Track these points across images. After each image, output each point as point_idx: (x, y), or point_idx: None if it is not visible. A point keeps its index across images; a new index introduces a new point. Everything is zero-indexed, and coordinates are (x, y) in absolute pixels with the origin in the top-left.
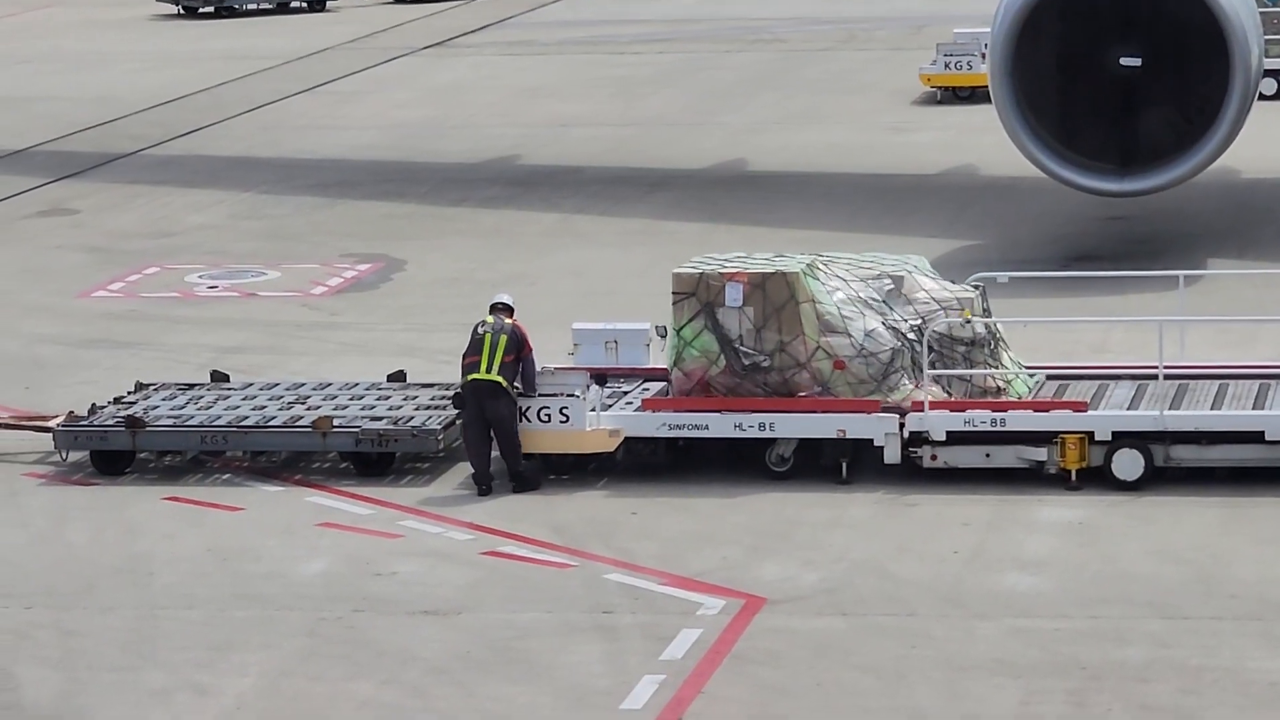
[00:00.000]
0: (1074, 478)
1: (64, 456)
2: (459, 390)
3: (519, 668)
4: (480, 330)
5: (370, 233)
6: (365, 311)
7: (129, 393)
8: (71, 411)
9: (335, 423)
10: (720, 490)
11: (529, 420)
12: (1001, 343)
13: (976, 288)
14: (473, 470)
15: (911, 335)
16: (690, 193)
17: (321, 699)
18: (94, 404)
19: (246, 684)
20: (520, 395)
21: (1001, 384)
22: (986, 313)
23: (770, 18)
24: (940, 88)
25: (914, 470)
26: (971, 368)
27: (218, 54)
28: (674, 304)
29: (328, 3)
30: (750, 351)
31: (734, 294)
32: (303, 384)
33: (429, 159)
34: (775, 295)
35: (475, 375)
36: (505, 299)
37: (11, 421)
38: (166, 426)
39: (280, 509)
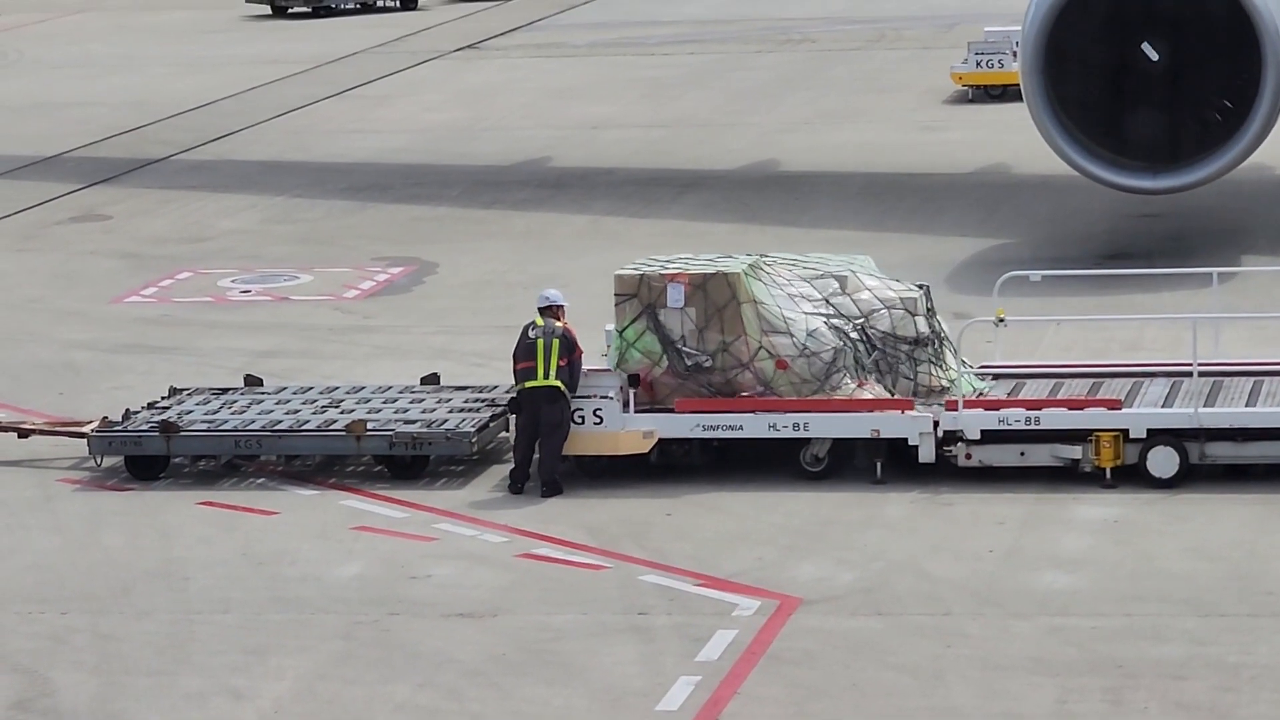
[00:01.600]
0: (1109, 476)
1: (98, 462)
2: (515, 395)
3: (554, 670)
4: (532, 334)
5: (402, 236)
6: (398, 314)
7: (163, 398)
8: (105, 417)
9: (369, 426)
10: (755, 491)
11: None
12: (946, 342)
13: (921, 287)
14: (513, 468)
15: (854, 334)
16: (721, 194)
17: (357, 702)
18: (128, 409)
19: (282, 688)
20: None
21: (945, 383)
22: (931, 312)
23: (800, 17)
24: (972, 86)
25: (949, 469)
26: (915, 366)
27: (248, 59)
28: (616, 305)
29: (419, 2)
30: (693, 352)
31: (675, 295)
32: (336, 387)
33: (460, 162)
34: (717, 296)
35: (533, 382)
36: (556, 299)
37: (46, 427)
38: (200, 431)
39: (315, 513)
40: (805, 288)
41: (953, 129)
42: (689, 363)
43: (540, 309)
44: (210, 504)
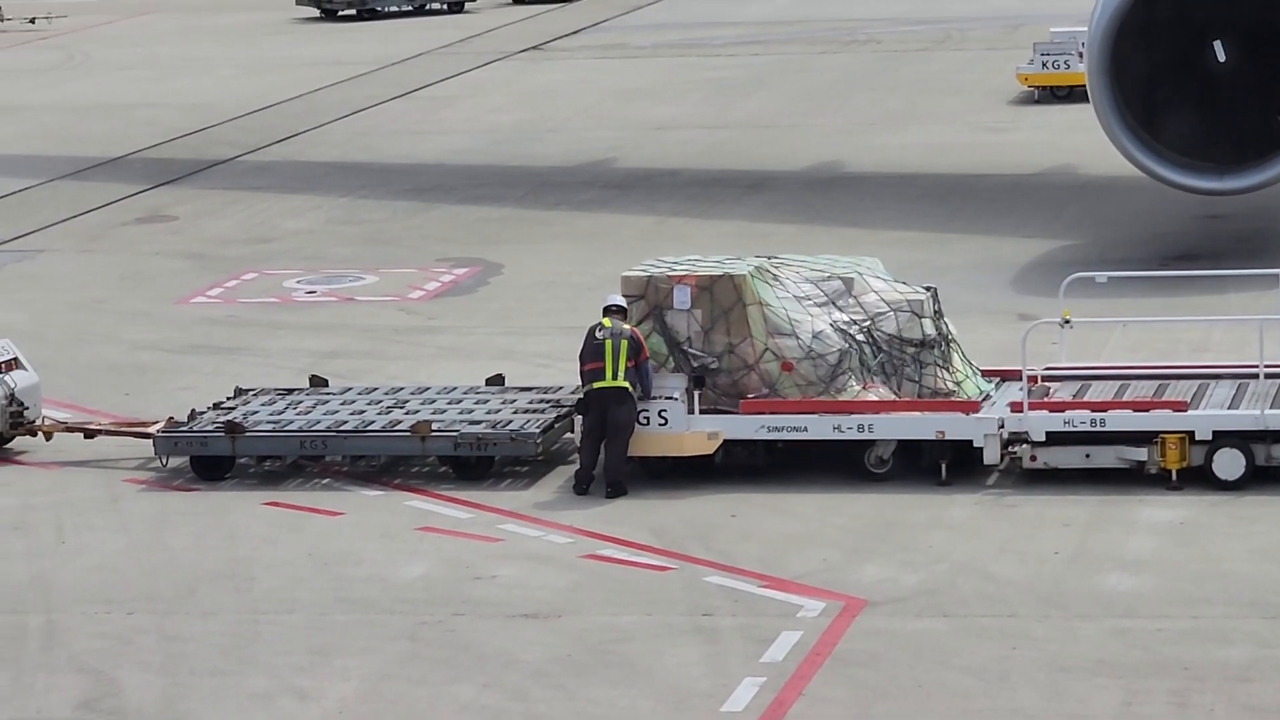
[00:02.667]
0: (1175, 478)
1: (164, 462)
2: (583, 397)
3: (619, 670)
4: (599, 335)
5: (467, 237)
6: (463, 315)
7: (228, 398)
8: (171, 417)
9: (434, 427)
10: (819, 492)
11: None
12: (954, 344)
13: (928, 289)
14: (578, 469)
15: (860, 336)
16: (786, 194)
17: (423, 702)
18: (193, 410)
19: (348, 688)
20: (639, 398)
21: (952, 385)
22: (939, 314)
23: (865, 18)
24: (1037, 87)
25: (1014, 471)
26: (922, 369)
27: (313, 60)
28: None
29: (466, 4)
30: (699, 354)
31: (682, 297)
32: (401, 388)
33: (525, 163)
34: (723, 298)
35: (601, 383)
36: (620, 301)
37: (112, 428)
38: (266, 432)
39: (380, 513)
40: (812, 290)
41: (1018, 130)
42: (695, 364)
43: (607, 310)
44: (276, 504)
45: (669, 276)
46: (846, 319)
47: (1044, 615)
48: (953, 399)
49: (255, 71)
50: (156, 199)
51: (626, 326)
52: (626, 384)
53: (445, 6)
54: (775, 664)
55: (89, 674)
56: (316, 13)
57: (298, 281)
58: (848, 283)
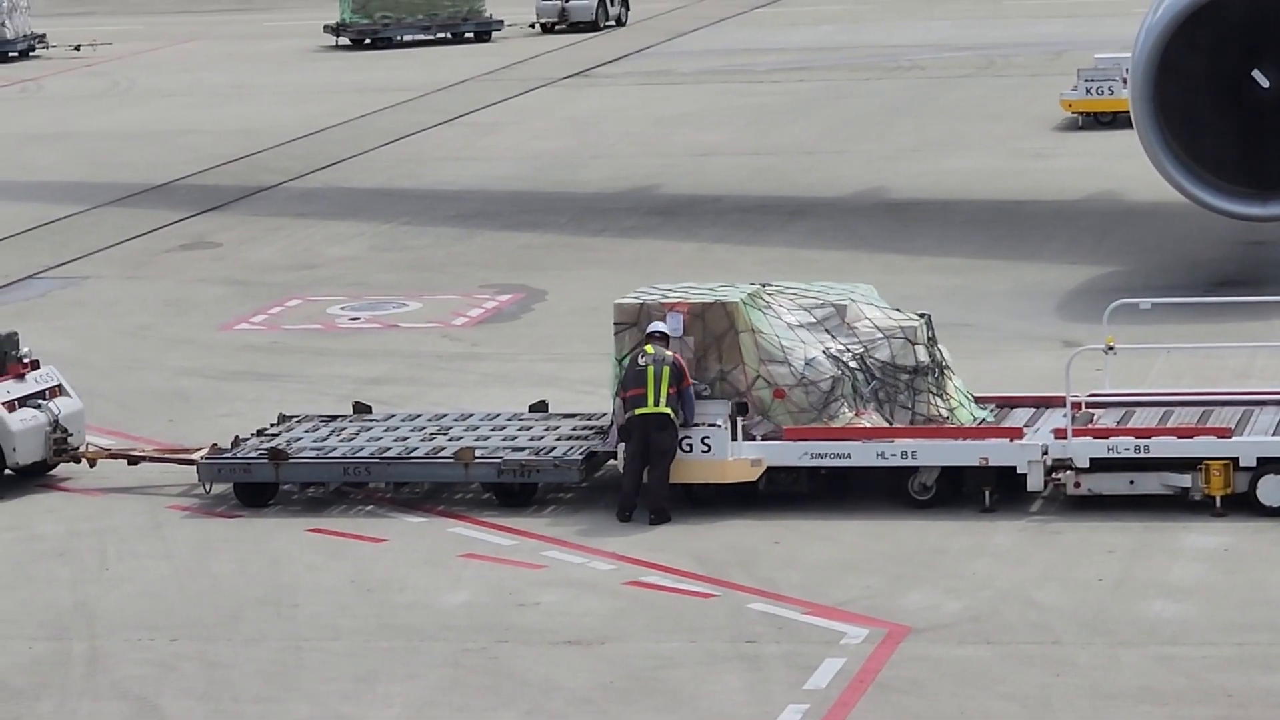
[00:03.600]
0: (1219, 504)
1: (208, 489)
2: (625, 424)
3: (662, 698)
4: (641, 361)
5: (510, 263)
6: (506, 342)
7: (272, 425)
8: (215, 444)
9: (477, 454)
10: (863, 519)
11: None
12: (947, 370)
13: (921, 316)
14: (621, 496)
15: (853, 363)
16: (830, 221)
17: None
18: (237, 436)
19: (391, 715)
20: (681, 425)
21: (945, 412)
22: (932, 341)
23: (908, 44)
24: (1081, 113)
25: (1058, 497)
26: (915, 395)
27: (356, 86)
28: (615, 334)
29: (492, 34)
30: (692, 381)
31: (674, 324)
32: (444, 415)
33: (568, 189)
34: (715, 325)
35: (643, 409)
36: (663, 327)
37: (156, 454)
38: (309, 458)
39: (423, 540)
40: (805, 317)
41: (1062, 156)
42: None
43: (650, 336)
44: (319, 531)
45: (662, 304)
46: (840, 346)
47: (1088, 642)
48: (996, 425)
49: (299, 98)
50: (201, 225)
51: (669, 353)
52: (668, 410)
53: (473, 35)
54: (819, 691)
55: (132, 700)
56: (334, 40)
57: (341, 308)
58: (841, 309)
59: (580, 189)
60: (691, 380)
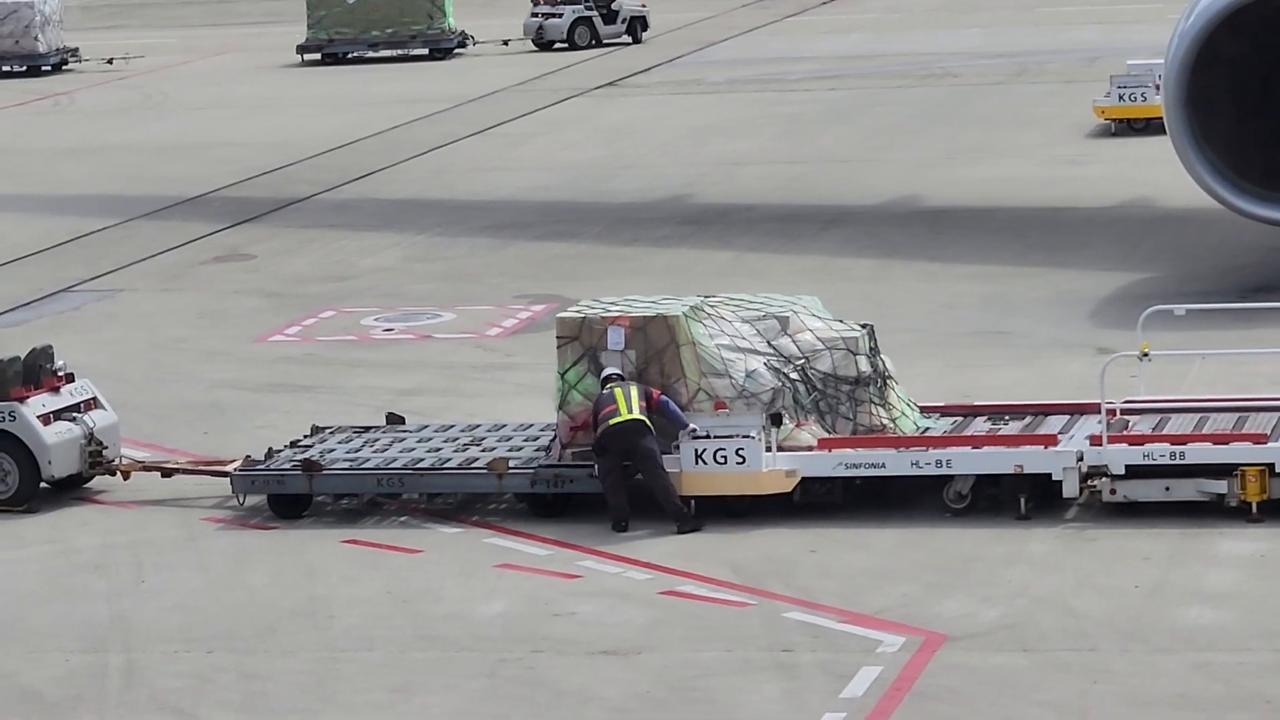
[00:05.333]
0: (1255, 510)
1: (241, 500)
2: (599, 439)
3: (699, 707)
4: (607, 389)
5: (544, 273)
6: (540, 352)
7: (305, 436)
8: (248, 456)
9: (511, 464)
10: (898, 527)
11: (705, 462)
12: (890, 381)
13: (864, 326)
14: (611, 511)
15: (794, 375)
16: (863, 229)
17: None
18: (270, 448)
19: None
20: (688, 434)
21: (887, 422)
22: (874, 351)
23: (941, 52)
24: (1114, 120)
25: (1093, 504)
26: (857, 406)
27: (388, 98)
28: (558, 348)
29: (455, 51)
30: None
31: (616, 337)
32: (478, 426)
33: (600, 199)
34: (656, 338)
35: (618, 418)
36: (614, 370)
37: (190, 466)
38: (343, 470)
39: (458, 550)
40: (747, 329)
41: (1095, 163)
42: None
43: (605, 380)
44: (354, 542)
45: (603, 317)
46: (781, 358)
47: (1124, 649)
48: (1032, 433)
49: (331, 110)
50: (234, 238)
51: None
52: (643, 417)
53: (428, 53)
54: (855, 699)
55: (169, 713)
56: (300, 59)
57: (375, 319)
58: (783, 321)
59: (613, 199)
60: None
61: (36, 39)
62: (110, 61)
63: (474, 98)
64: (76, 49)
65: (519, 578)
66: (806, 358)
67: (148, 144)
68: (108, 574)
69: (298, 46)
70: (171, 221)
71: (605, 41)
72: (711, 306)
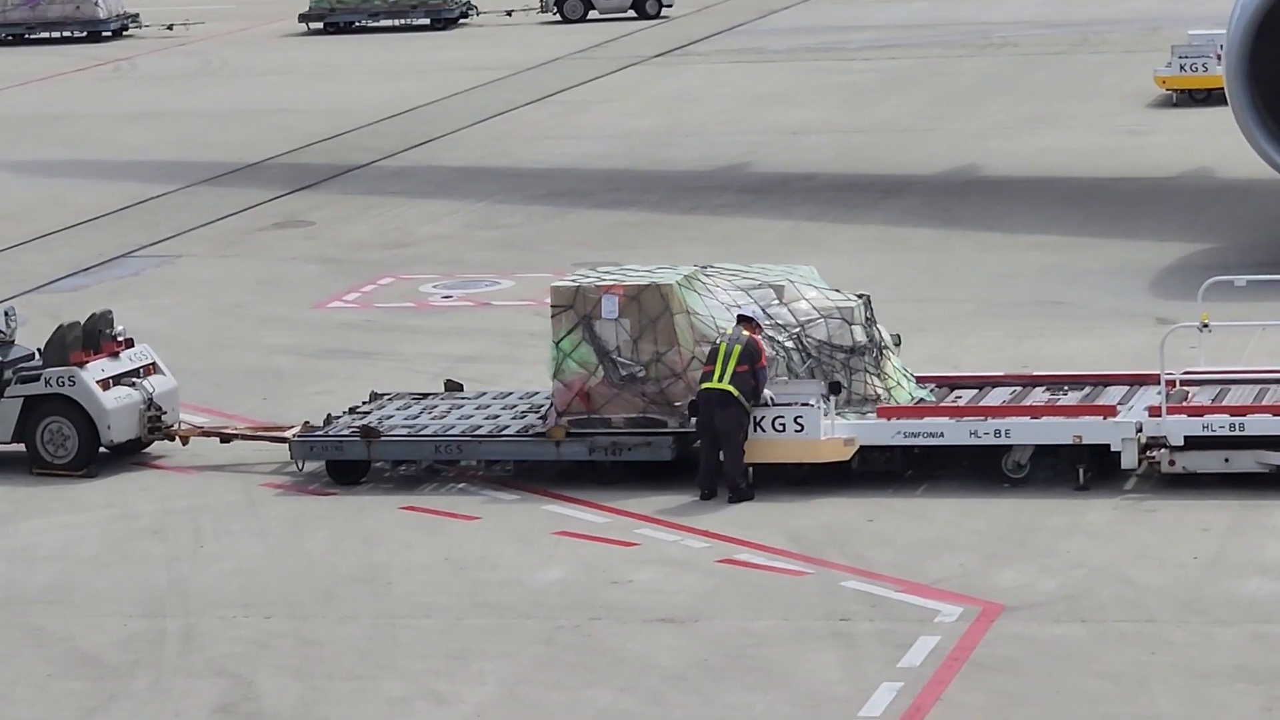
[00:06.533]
0: None
1: (300, 467)
2: (694, 398)
3: (756, 675)
4: (718, 341)
5: (602, 241)
6: None
7: (364, 403)
8: (307, 422)
9: (568, 431)
10: (957, 497)
11: (764, 430)
12: (886, 351)
13: (860, 296)
14: (699, 475)
15: (789, 343)
16: (922, 199)
17: (559, 707)
18: (329, 414)
19: (485, 692)
20: (754, 406)
21: (882, 392)
22: (870, 321)
23: (1001, 21)
24: (1175, 90)
25: (1152, 475)
26: (852, 375)
27: (446, 65)
28: (552, 317)
29: (459, 20)
30: (627, 363)
31: (610, 306)
32: (536, 393)
33: (660, 167)
34: (650, 307)
35: (707, 384)
36: (749, 313)
37: (249, 432)
38: (401, 436)
39: (516, 518)
40: (742, 298)
41: (1156, 133)
42: (624, 373)
43: (738, 319)
44: (412, 509)
45: (597, 287)
46: (776, 325)
47: (1183, 620)
48: (1091, 404)
49: (390, 76)
50: (293, 204)
51: (747, 334)
52: (731, 388)
53: (429, 23)
54: (913, 669)
55: (227, 678)
56: (305, 28)
57: (434, 286)
58: (779, 290)
59: (672, 167)
60: (627, 361)
61: (97, 5)
62: (170, 27)
63: (534, 65)
64: (137, 15)
65: (577, 545)
66: (802, 326)
67: (207, 110)
68: (166, 539)
69: (300, 15)
70: (231, 187)
71: (603, 15)
72: (707, 275)
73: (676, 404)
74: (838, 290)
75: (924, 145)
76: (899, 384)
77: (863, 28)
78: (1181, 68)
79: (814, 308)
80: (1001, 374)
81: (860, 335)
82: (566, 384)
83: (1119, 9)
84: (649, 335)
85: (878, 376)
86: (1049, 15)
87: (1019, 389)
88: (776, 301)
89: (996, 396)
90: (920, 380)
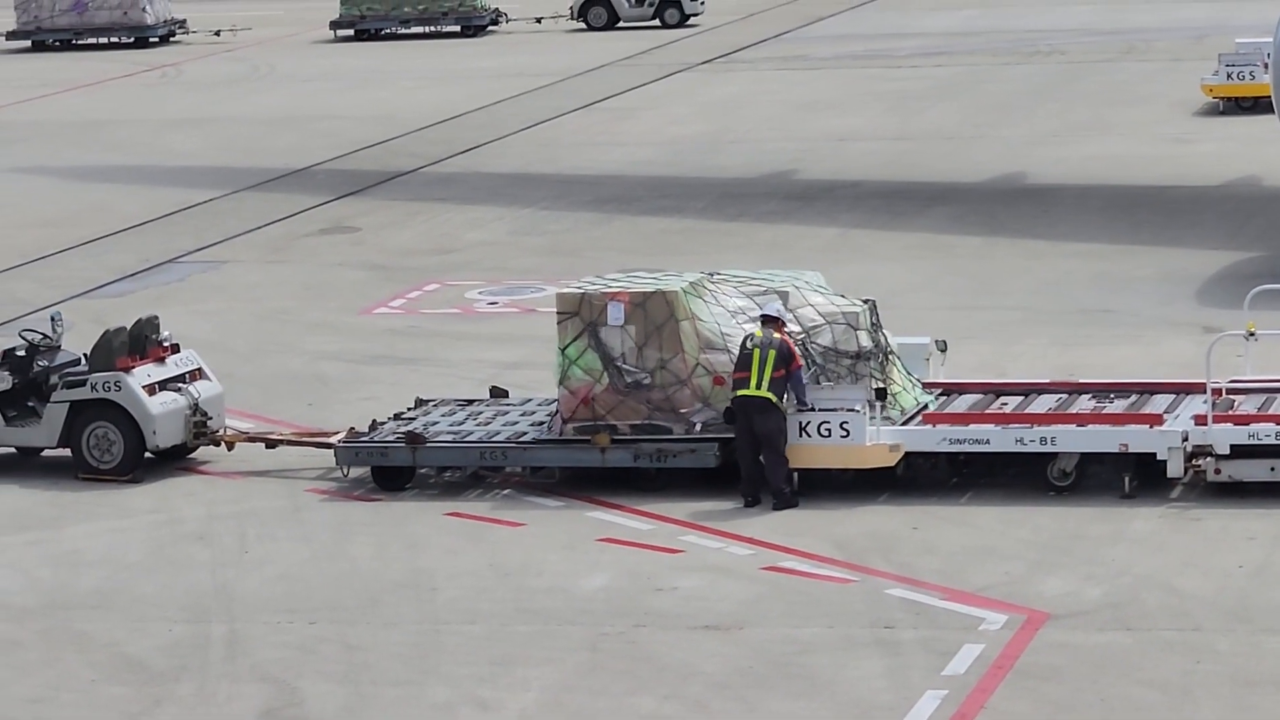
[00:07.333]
0: None
1: (345, 472)
2: (729, 405)
3: (800, 683)
4: (749, 345)
5: (648, 248)
6: None
7: (409, 409)
8: (352, 428)
9: (613, 438)
10: (1001, 505)
11: (808, 435)
12: (892, 356)
13: (866, 301)
14: (741, 483)
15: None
16: (969, 206)
17: (603, 713)
18: (374, 420)
19: (529, 699)
20: (799, 409)
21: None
22: (876, 326)
23: (1049, 29)
24: (1222, 98)
25: (1198, 484)
26: (857, 380)
27: (492, 72)
28: (558, 324)
29: (487, 28)
30: (632, 369)
31: (615, 313)
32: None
33: (706, 174)
34: (655, 314)
35: (744, 391)
36: (773, 311)
37: (294, 438)
38: (446, 442)
39: (561, 524)
40: (747, 304)
41: (1203, 141)
42: (629, 380)
43: (761, 319)
44: (457, 515)
45: (603, 293)
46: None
47: (1229, 629)
48: (1137, 412)
49: (436, 83)
50: (340, 210)
51: (778, 336)
52: (769, 395)
53: (459, 30)
54: (957, 677)
55: (271, 683)
56: (333, 35)
57: (480, 292)
58: (784, 296)
59: (718, 174)
60: (632, 368)
61: (144, 10)
62: (218, 33)
63: (580, 72)
64: (184, 21)
65: (621, 552)
66: (807, 332)
67: (254, 116)
68: (212, 544)
69: (330, 22)
70: (277, 193)
71: (625, 24)
72: (713, 282)
73: (682, 410)
74: (843, 295)
75: (971, 153)
76: (904, 389)
77: (910, 35)
78: (1229, 76)
79: (819, 314)
80: (1047, 381)
81: (865, 340)
82: (572, 391)
83: (1166, 17)
84: (654, 342)
85: (884, 382)
86: (1096, 23)
87: (1065, 396)
88: (782, 308)
89: (1042, 404)
90: (954, 388)
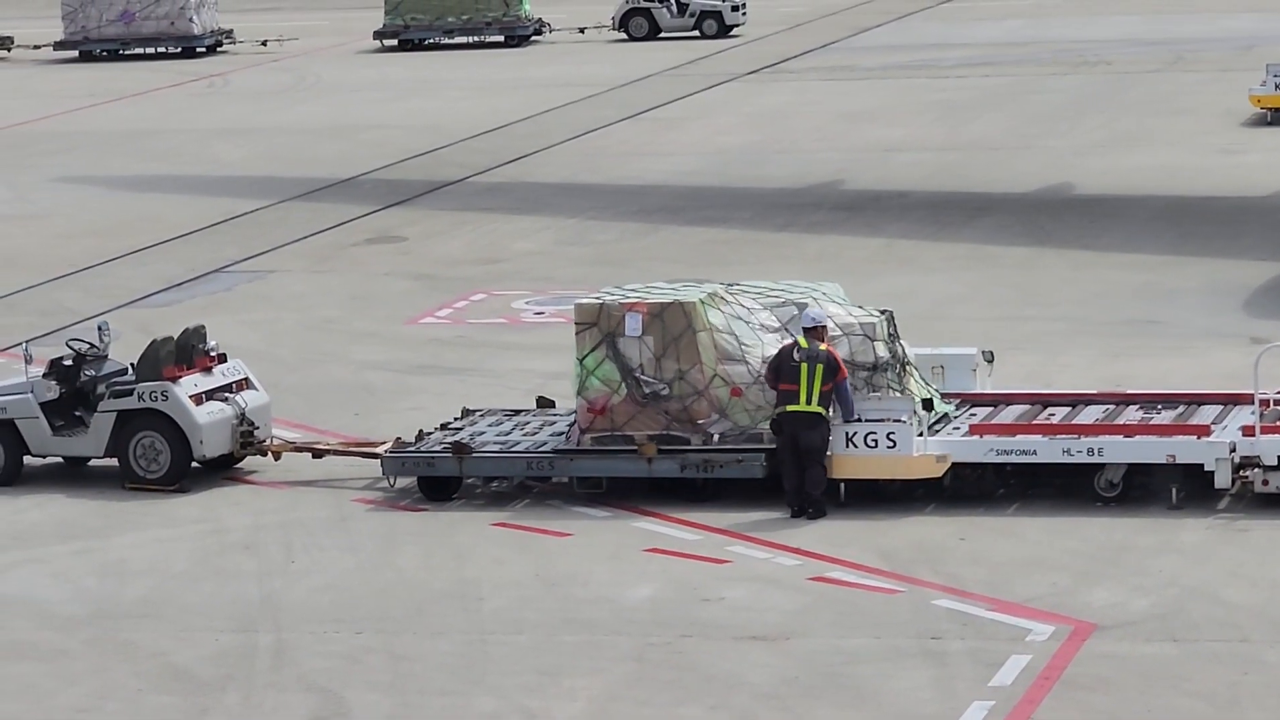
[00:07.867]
0: None
1: (392, 482)
2: (776, 418)
3: (847, 694)
4: (797, 356)
5: (694, 258)
6: None
7: (455, 419)
8: (399, 438)
9: (660, 449)
10: (1049, 516)
11: (855, 446)
12: (909, 367)
13: (883, 312)
14: (787, 496)
15: None
16: (1015, 217)
17: None
18: (421, 430)
19: (575, 709)
20: (846, 421)
21: None
22: (893, 337)
23: (1096, 40)
24: (1270, 109)
25: (1245, 495)
26: (874, 391)
27: (539, 81)
28: (576, 334)
29: (531, 38)
30: (650, 380)
31: (633, 324)
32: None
33: (752, 184)
34: (673, 325)
35: (795, 407)
36: (817, 320)
37: (341, 448)
38: (493, 453)
39: (607, 534)
40: (765, 315)
41: (1251, 152)
42: (647, 390)
43: (804, 330)
44: (504, 525)
45: (621, 304)
46: None
47: (1276, 641)
48: (1185, 423)
49: (483, 93)
50: (386, 220)
51: (824, 347)
52: (820, 410)
53: (503, 40)
54: (1004, 688)
55: (318, 693)
56: (379, 45)
57: (526, 302)
58: (801, 307)
59: (764, 184)
60: (650, 379)
61: (191, 21)
62: (264, 43)
63: (626, 82)
64: (231, 31)
65: (668, 562)
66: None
67: (301, 125)
68: (258, 554)
69: (375, 32)
70: (324, 203)
71: (665, 34)
72: (731, 294)
73: (700, 421)
74: (861, 307)
75: (1017, 163)
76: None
77: (956, 45)
78: (1276, 86)
79: (836, 324)
80: (1094, 392)
81: (883, 351)
82: (590, 401)
83: (1213, 27)
84: (672, 353)
85: (901, 393)
86: (1143, 34)
87: (1112, 408)
88: (823, 314)
89: (1089, 415)
90: (1001, 399)
